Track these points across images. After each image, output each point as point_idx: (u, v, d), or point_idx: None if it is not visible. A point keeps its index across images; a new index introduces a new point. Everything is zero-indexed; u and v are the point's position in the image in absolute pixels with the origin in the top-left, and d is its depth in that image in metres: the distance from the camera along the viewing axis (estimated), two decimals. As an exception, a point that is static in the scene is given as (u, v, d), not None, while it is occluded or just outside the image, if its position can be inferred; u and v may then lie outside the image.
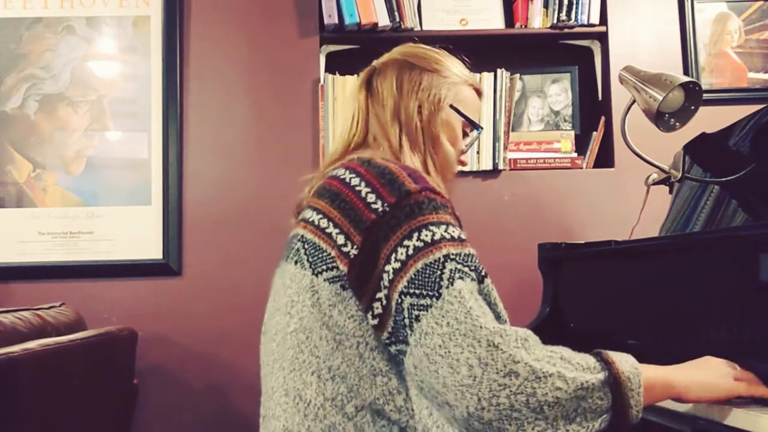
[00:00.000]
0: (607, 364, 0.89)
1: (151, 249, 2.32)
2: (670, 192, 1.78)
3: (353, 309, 0.96)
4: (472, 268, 0.93)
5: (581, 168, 2.37)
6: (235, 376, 2.28)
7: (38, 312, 1.84)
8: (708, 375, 0.97)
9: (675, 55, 2.42)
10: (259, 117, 2.37)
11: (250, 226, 2.34)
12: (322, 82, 2.36)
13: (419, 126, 1.17)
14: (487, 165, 2.34)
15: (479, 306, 0.90)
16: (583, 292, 1.64)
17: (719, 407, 0.96)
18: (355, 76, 2.34)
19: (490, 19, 2.43)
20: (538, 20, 2.38)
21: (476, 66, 2.36)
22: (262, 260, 2.29)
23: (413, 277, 0.91)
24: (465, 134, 1.26)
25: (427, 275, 0.91)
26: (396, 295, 0.91)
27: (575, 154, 2.38)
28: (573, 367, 0.87)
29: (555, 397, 0.84)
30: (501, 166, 2.34)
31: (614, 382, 0.88)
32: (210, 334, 2.28)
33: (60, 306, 1.99)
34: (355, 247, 0.96)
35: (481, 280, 0.94)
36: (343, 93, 2.33)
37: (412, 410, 0.94)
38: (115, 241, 2.32)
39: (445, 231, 0.95)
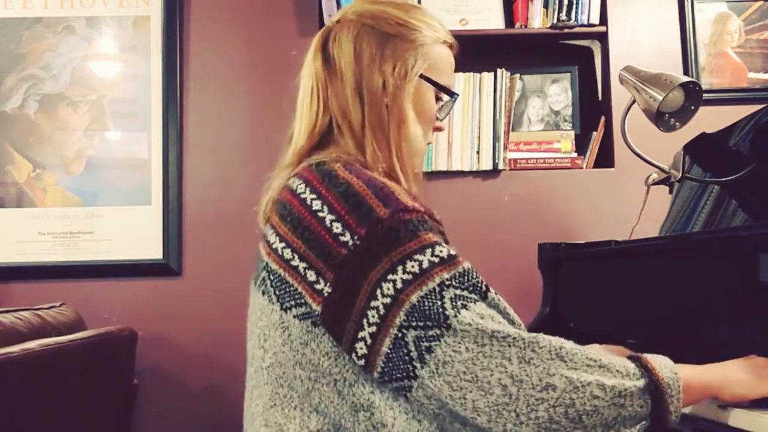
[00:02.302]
0: (647, 371, 0.87)
1: (151, 249, 2.32)
2: (670, 192, 1.78)
3: (327, 346, 0.90)
4: (471, 288, 0.87)
5: (581, 168, 2.36)
6: (235, 376, 2.27)
7: (38, 312, 1.84)
8: (745, 373, 0.94)
9: (675, 55, 2.42)
10: (259, 117, 2.37)
11: (250, 226, 2.32)
12: (322, 82, 2.35)
13: (384, 103, 1.03)
14: (487, 165, 2.33)
15: (497, 323, 0.86)
16: (583, 292, 1.64)
17: (721, 407, 0.96)
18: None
19: (490, 19, 2.43)
20: (538, 20, 2.38)
21: (476, 66, 2.39)
22: (262, 260, 2.30)
23: (410, 310, 0.85)
24: (438, 99, 1.11)
25: (426, 308, 0.85)
26: (394, 330, 0.85)
27: (575, 154, 2.38)
28: (612, 375, 0.85)
29: (593, 406, 0.83)
30: (501, 166, 2.34)
31: (655, 389, 0.86)
32: (210, 335, 2.28)
33: (60, 306, 1.99)
34: (328, 284, 0.89)
35: (484, 296, 0.88)
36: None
37: None
38: (115, 241, 2.32)
39: (432, 255, 0.87)
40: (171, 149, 2.33)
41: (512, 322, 0.90)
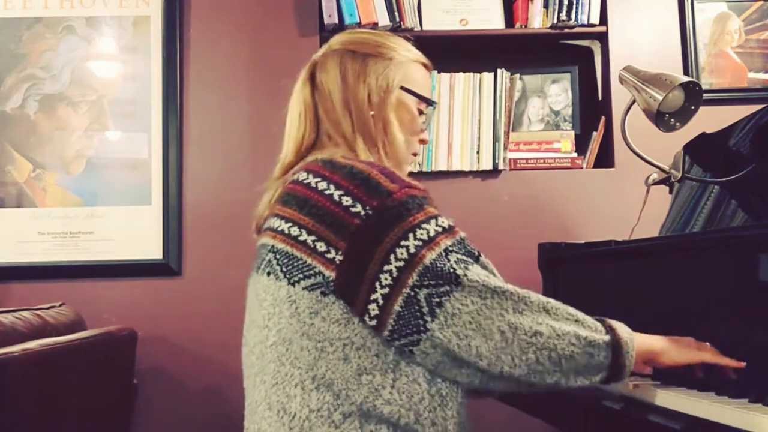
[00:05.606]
0: (611, 329, 1.03)
1: (151, 249, 2.32)
2: (670, 192, 1.78)
3: (338, 313, 0.99)
4: (469, 252, 1.02)
5: (581, 168, 2.37)
6: (235, 376, 2.26)
7: (38, 312, 1.84)
8: (679, 343, 1.11)
9: (675, 55, 2.42)
10: (259, 117, 2.37)
11: (250, 226, 2.33)
12: (322, 82, 2.36)
13: (370, 114, 1.15)
14: (487, 165, 2.34)
15: (493, 279, 1.00)
16: (583, 292, 1.64)
17: (718, 406, 0.96)
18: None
19: (490, 19, 2.43)
20: (538, 20, 2.38)
21: (476, 66, 2.39)
22: (262, 260, 2.30)
23: (423, 271, 0.96)
24: (420, 112, 1.23)
25: (438, 268, 0.97)
26: (406, 290, 0.96)
27: (575, 154, 2.38)
28: (585, 328, 1.01)
29: (571, 352, 0.98)
30: (501, 166, 2.34)
31: (616, 345, 1.01)
32: (210, 334, 2.28)
33: (60, 306, 2.00)
34: (339, 252, 0.98)
35: (477, 260, 1.03)
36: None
37: (402, 400, 0.99)
38: (115, 241, 2.32)
39: (436, 225, 1.01)
40: (171, 149, 2.33)
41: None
